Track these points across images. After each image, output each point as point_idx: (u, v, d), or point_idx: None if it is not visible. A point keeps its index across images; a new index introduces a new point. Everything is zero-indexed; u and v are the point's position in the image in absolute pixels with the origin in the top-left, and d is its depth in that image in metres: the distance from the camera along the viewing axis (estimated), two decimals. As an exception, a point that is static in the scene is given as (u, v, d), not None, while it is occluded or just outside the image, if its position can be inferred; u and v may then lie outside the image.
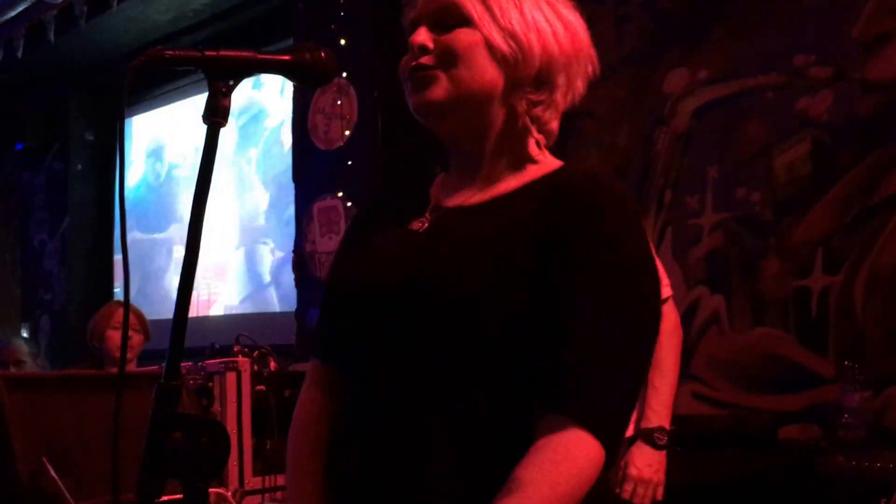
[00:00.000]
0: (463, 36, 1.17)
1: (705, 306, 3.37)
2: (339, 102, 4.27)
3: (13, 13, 5.88)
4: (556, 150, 2.54)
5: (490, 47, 1.16)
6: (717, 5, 3.42)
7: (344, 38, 4.16)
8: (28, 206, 7.40)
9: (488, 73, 1.17)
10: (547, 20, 1.19)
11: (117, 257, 7.00)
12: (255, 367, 3.09)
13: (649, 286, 1.13)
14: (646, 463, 2.12)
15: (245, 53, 1.14)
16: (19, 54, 6.17)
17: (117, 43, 5.93)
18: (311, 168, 4.46)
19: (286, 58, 1.16)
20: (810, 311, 3.08)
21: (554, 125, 1.23)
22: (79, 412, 2.20)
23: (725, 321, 3.32)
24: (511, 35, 1.16)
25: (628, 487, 2.11)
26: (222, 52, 1.12)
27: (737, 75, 3.34)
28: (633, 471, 2.11)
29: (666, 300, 2.21)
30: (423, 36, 1.19)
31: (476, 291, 1.09)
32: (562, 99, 1.22)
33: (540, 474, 1.02)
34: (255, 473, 2.68)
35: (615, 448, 1.07)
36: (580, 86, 1.24)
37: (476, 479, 1.07)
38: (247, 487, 2.58)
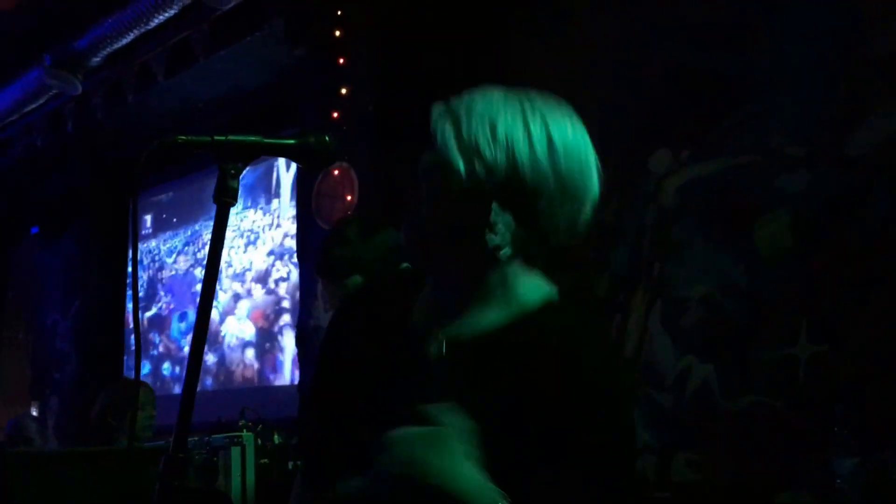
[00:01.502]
0: (427, 157, 1.16)
1: (696, 374, 3.34)
2: (341, 184, 4.31)
3: (35, 105, 5.96)
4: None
5: (454, 167, 1.11)
6: (697, 90, 3.46)
7: (345, 126, 4.22)
8: (42, 287, 7.40)
9: (454, 195, 1.12)
10: (526, 137, 1.12)
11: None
12: (259, 441, 3.05)
13: (622, 454, 1.10)
14: None
15: (252, 138, 1.16)
16: (38, 143, 6.23)
17: (132, 132, 6.00)
18: (316, 246, 4.46)
19: (291, 142, 1.18)
20: (798, 378, 3.05)
21: (522, 242, 1.14)
22: (85, 487, 2.16)
23: (715, 390, 3.28)
24: (478, 155, 1.10)
25: None
26: (230, 137, 1.15)
27: (718, 154, 3.37)
28: None
29: None
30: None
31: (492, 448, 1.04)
32: (545, 223, 1.14)
33: None
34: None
35: None
36: (578, 208, 1.17)
37: None
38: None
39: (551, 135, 1.12)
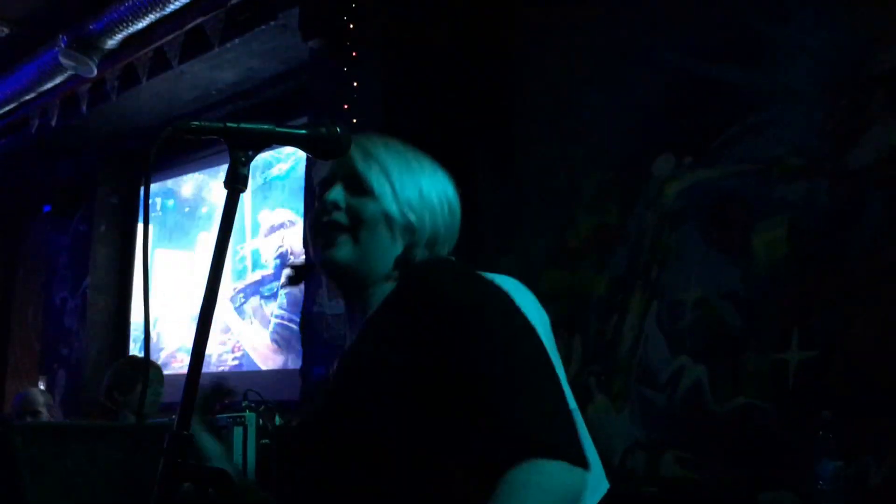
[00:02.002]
0: (371, 205, 1.24)
1: (688, 375, 3.36)
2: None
3: (50, 85, 5.97)
4: (550, 229, 2.53)
5: (392, 219, 1.24)
6: (701, 99, 3.47)
7: (356, 118, 4.22)
8: (53, 266, 7.41)
9: (390, 245, 1.25)
10: (438, 199, 1.29)
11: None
12: (261, 422, 3.06)
13: (505, 322, 1.15)
14: None
15: (264, 127, 1.16)
16: (53, 123, 6.24)
17: (145, 116, 6.01)
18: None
19: (303, 132, 1.18)
20: (787, 383, 3.07)
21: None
22: (90, 460, 2.17)
23: (707, 391, 3.30)
24: (412, 211, 1.25)
25: None
26: (243, 126, 1.15)
27: (718, 162, 3.39)
28: None
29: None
30: (336, 193, 1.25)
31: (369, 413, 1.12)
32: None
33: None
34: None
35: (570, 452, 1.05)
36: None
37: None
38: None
39: (452, 202, 1.32)
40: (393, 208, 1.24)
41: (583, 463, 1.05)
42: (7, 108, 6.45)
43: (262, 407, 3.29)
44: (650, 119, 3.63)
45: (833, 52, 3.11)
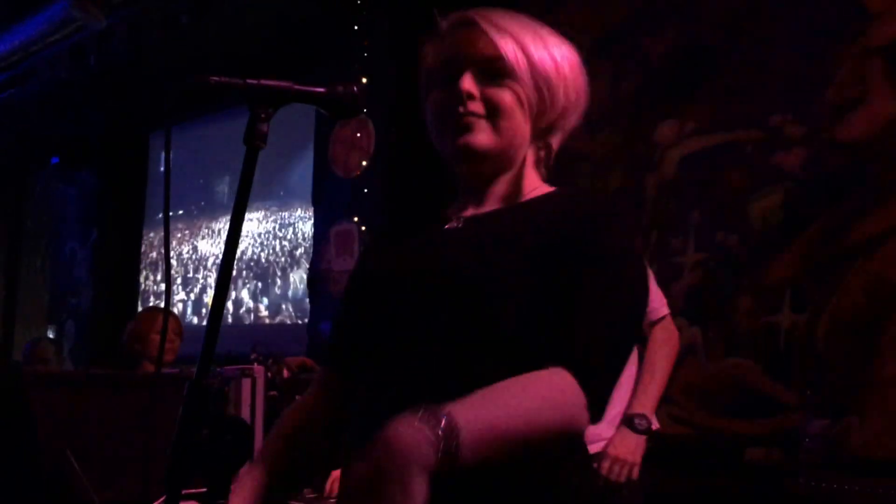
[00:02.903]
0: (508, 94, 1.19)
1: (683, 336, 3.37)
2: (358, 135, 4.30)
3: (58, 36, 5.90)
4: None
5: (528, 104, 1.20)
6: (704, 67, 3.47)
7: (365, 77, 4.19)
8: (61, 217, 7.40)
9: (523, 128, 1.21)
10: (570, 67, 1.24)
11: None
12: (269, 374, 3.08)
13: (638, 278, 1.15)
14: (623, 444, 2.19)
15: (283, 84, 1.15)
16: (61, 75, 6.18)
17: (154, 69, 5.95)
18: (330, 193, 4.48)
19: (321, 90, 1.17)
20: (778, 344, 3.10)
21: (550, 163, 1.28)
22: (102, 409, 2.18)
23: (701, 351, 3.33)
24: (548, 89, 1.21)
25: (605, 464, 2.18)
26: (263, 82, 1.14)
27: (720, 129, 3.39)
28: (611, 450, 2.19)
29: (663, 318, 2.28)
30: (469, 84, 1.19)
31: (502, 278, 1.10)
32: (560, 142, 1.27)
33: (509, 384, 1.02)
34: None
35: (595, 393, 1.05)
36: (576, 124, 1.28)
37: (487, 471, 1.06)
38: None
39: (581, 69, 1.26)
40: (531, 93, 1.19)
41: (595, 415, 1.07)
42: (14, 59, 6.37)
43: (270, 360, 3.31)
44: (654, 86, 3.61)
45: (834, 22, 3.10)
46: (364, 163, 4.24)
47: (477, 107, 1.19)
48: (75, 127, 7.10)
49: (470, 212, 1.25)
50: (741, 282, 3.25)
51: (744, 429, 3.14)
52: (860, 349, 2.88)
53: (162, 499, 1.13)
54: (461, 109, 1.19)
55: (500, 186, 1.25)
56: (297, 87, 1.16)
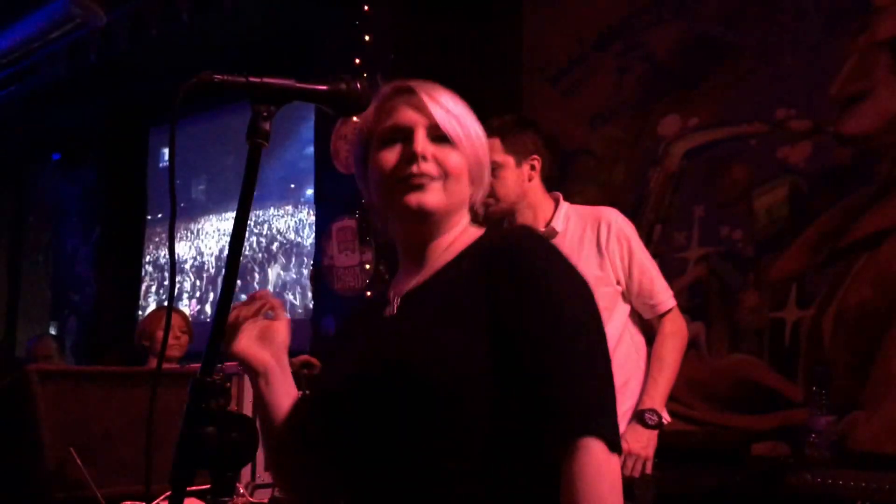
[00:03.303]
0: (457, 157, 1.24)
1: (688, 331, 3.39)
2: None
3: (58, 33, 5.90)
4: (556, 187, 2.55)
5: (469, 170, 1.26)
6: (709, 60, 3.47)
7: (366, 73, 4.19)
8: (63, 213, 7.41)
9: (466, 190, 1.27)
10: (484, 145, 1.30)
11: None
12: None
13: (581, 305, 1.16)
14: (636, 439, 2.21)
15: (286, 81, 1.15)
16: (62, 72, 6.19)
17: (154, 65, 5.96)
18: (332, 189, 4.49)
19: (324, 87, 1.17)
20: (783, 340, 3.11)
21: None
22: (105, 405, 2.19)
23: (704, 346, 3.34)
24: (477, 157, 1.27)
25: None
26: (265, 80, 1.14)
27: (724, 123, 3.39)
28: (624, 445, 2.18)
29: (670, 310, 2.28)
30: (423, 145, 1.23)
31: (440, 356, 1.11)
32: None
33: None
34: (267, 468, 2.67)
35: (616, 437, 1.09)
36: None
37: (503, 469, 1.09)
38: (258, 481, 2.58)
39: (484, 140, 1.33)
40: (471, 158, 1.26)
41: (618, 450, 1.10)
42: (15, 56, 6.37)
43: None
44: (658, 80, 3.61)
45: (840, 16, 3.09)
46: (366, 158, 4.23)
47: (430, 167, 1.22)
48: (76, 123, 7.11)
49: (405, 285, 1.27)
50: (746, 277, 3.25)
51: (748, 425, 3.14)
52: (866, 344, 2.88)
53: (166, 495, 1.14)
54: (415, 169, 1.22)
55: (436, 244, 1.27)
56: (299, 84, 1.16)
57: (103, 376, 2.40)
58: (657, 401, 2.26)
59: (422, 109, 1.24)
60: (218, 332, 1.07)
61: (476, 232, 1.29)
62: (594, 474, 1.06)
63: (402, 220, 1.26)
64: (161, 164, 7.01)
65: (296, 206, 6.11)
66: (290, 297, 5.99)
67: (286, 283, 6.05)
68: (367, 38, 4.10)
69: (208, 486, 1.09)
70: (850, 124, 3.02)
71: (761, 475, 2.79)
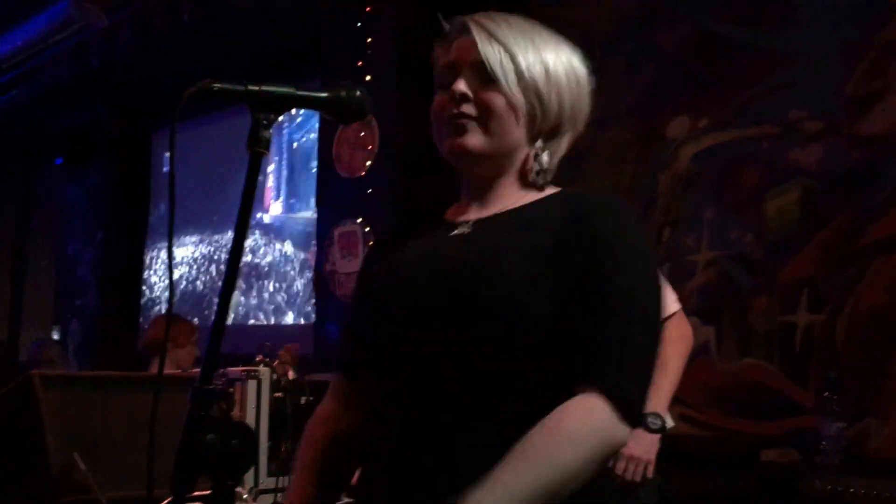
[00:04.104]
0: (500, 98, 1.22)
1: (696, 336, 3.38)
2: (362, 134, 4.31)
3: (61, 36, 5.94)
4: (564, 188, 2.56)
5: (519, 109, 1.22)
6: (719, 61, 3.47)
7: (369, 75, 4.21)
8: (66, 217, 7.45)
9: (517, 132, 1.24)
10: (566, 74, 1.26)
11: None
12: (275, 376, 3.11)
13: (653, 285, 1.18)
14: (638, 443, 2.24)
15: (286, 89, 1.17)
16: (64, 74, 6.23)
17: (156, 67, 5.99)
18: (334, 194, 4.50)
19: (324, 95, 1.19)
20: (794, 345, 3.10)
21: (555, 163, 1.29)
22: (108, 410, 2.21)
23: (714, 351, 3.34)
24: (537, 96, 1.23)
25: (620, 465, 2.23)
26: (264, 88, 1.15)
27: (735, 125, 3.39)
28: (626, 450, 2.22)
29: (674, 314, 2.30)
30: (463, 86, 1.23)
31: (518, 286, 1.12)
32: (566, 145, 1.29)
33: (539, 433, 1.06)
34: (270, 474, 2.69)
35: (627, 404, 1.09)
36: (581, 130, 1.30)
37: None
38: (261, 487, 2.60)
39: (580, 75, 1.28)
40: (519, 98, 1.22)
41: (632, 424, 1.11)
42: (18, 59, 6.42)
43: (277, 362, 3.33)
44: (666, 80, 3.61)
45: (851, 16, 3.09)
46: (368, 162, 4.25)
47: (469, 108, 1.22)
48: (79, 126, 7.15)
49: (474, 215, 1.27)
50: (756, 281, 3.25)
51: (758, 430, 3.14)
52: (878, 350, 2.88)
53: (167, 501, 1.16)
54: (454, 111, 1.23)
55: (501, 189, 1.27)
56: (299, 92, 1.17)
57: (107, 381, 2.43)
58: (660, 406, 2.27)
59: (471, 47, 1.23)
60: (216, 340, 1.09)
61: (548, 190, 1.28)
62: (583, 416, 1.06)
63: (452, 161, 1.27)
64: (165, 168, 7.03)
65: (250, 230, 6.17)
66: (253, 320, 6.05)
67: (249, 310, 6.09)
68: (369, 40, 4.12)
69: (208, 493, 1.11)
70: (863, 126, 3.02)
71: (771, 482, 2.80)
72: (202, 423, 1.08)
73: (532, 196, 1.26)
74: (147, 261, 7.06)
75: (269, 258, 6.13)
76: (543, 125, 1.25)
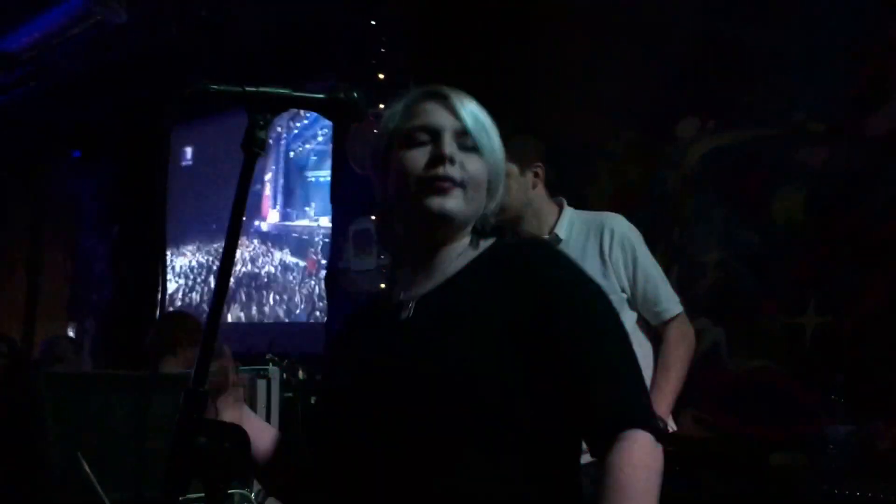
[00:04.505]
0: (480, 166, 1.27)
1: (706, 337, 3.38)
2: (375, 130, 4.30)
3: (78, 30, 5.95)
4: (573, 190, 2.56)
5: (489, 180, 1.29)
6: (727, 62, 3.45)
7: (382, 73, 4.21)
8: (82, 211, 7.46)
9: (483, 200, 1.29)
10: (501, 147, 1.32)
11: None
12: (284, 376, 3.12)
13: (605, 307, 1.22)
14: None
15: (283, 91, 1.17)
16: (81, 68, 6.25)
17: (171, 63, 6.00)
18: (348, 191, 4.50)
19: (320, 96, 1.19)
20: (803, 347, 3.08)
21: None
22: (113, 410, 2.21)
23: (725, 352, 3.32)
24: (497, 168, 1.30)
25: None
26: (262, 89, 1.15)
27: (742, 125, 3.38)
28: None
29: (676, 316, 2.28)
30: (451, 148, 1.25)
31: (472, 360, 1.14)
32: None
33: (629, 483, 1.09)
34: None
35: (658, 432, 1.14)
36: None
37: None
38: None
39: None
40: (492, 169, 1.29)
41: (663, 442, 1.15)
42: (34, 53, 6.44)
43: (286, 361, 3.34)
44: (674, 82, 3.60)
45: (856, 18, 3.07)
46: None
47: (455, 172, 1.25)
48: (96, 121, 7.18)
49: (417, 290, 1.28)
50: (764, 282, 3.24)
51: (767, 433, 3.13)
52: (886, 352, 2.86)
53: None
54: (441, 172, 1.24)
55: (446, 251, 1.29)
56: (296, 93, 1.18)
57: (112, 381, 2.43)
58: (662, 409, 2.26)
59: (453, 114, 1.27)
60: (209, 342, 1.09)
61: (484, 242, 1.30)
62: (643, 461, 1.11)
63: (420, 221, 1.27)
64: (183, 163, 7.05)
65: (249, 238, 6.22)
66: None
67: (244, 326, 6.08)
68: (382, 36, 4.12)
69: (202, 495, 1.11)
70: (870, 126, 3.01)
71: (779, 485, 2.77)
72: (193, 425, 1.07)
73: (471, 253, 1.29)
74: (165, 256, 7.06)
75: (267, 268, 6.16)
76: (495, 198, 1.31)
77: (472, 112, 1.28)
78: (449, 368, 1.13)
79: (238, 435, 1.10)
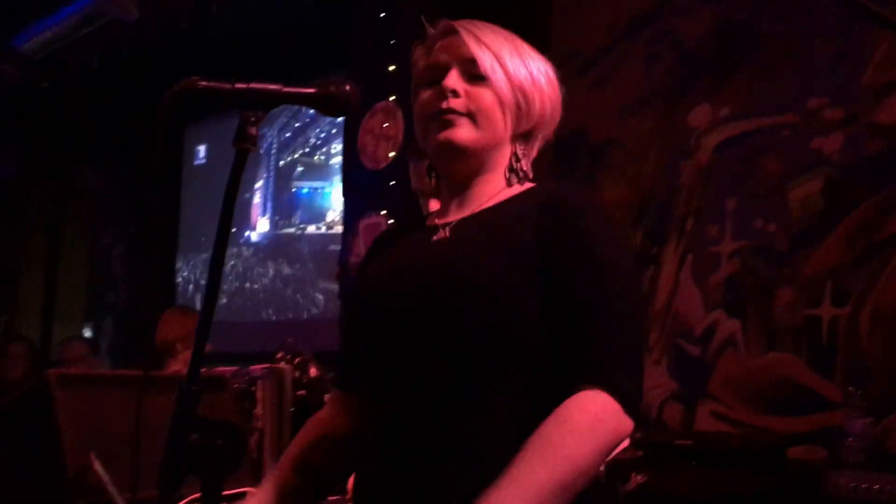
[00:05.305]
0: (489, 94, 1.26)
1: (722, 329, 3.36)
2: (386, 124, 4.31)
3: (91, 28, 5.99)
4: (586, 179, 2.54)
5: (507, 106, 1.27)
6: (740, 49, 3.43)
7: (393, 65, 4.21)
8: (98, 210, 7.51)
9: (502, 128, 1.28)
10: (546, 80, 1.32)
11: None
12: (297, 374, 3.12)
13: (627, 270, 1.20)
14: None
15: (273, 86, 1.17)
16: (94, 66, 6.29)
17: (186, 59, 6.02)
18: (359, 185, 4.51)
19: (311, 91, 1.19)
20: (821, 339, 3.06)
21: (528, 166, 1.33)
22: (125, 410, 2.23)
23: (741, 344, 3.30)
24: (523, 95, 1.28)
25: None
26: (252, 85, 1.16)
27: (756, 114, 3.35)
28: None
29: None
30: (454, 81, 1.26)
31: (504, 273, 1.15)
32: (536, 150, 1.34)
33: (551, 427, 1.06)
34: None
35: (629, 397, 1.10)
36: (550, 139, 1.36)
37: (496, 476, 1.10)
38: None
39: (556, 85, 1.34)
40: (507, 95, 1.27)
41: (636, 418, 1.11)
42: (48, 52, 6.49)
43: (298, 359, 3.34)
44: (688, 69, 3.58)
45: (872, 2, 3.03)
46: (392, 153, 4.25)
47: (459, 104, 1.26)
48: (111, 119, 7.22)
49: (453, 216, 1.30)
50: (780, 272, 3.21)
51: (785, 426, 3.11)
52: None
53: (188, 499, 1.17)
54: (444, 105, 1.25)
55: (481, 186, 1.30)
56: (286, 88, 1.18)
57: (124, 381, 2.44)
58: None
59: (460, 47, 1.28)
60: (202, 341, 1.10)
61: (525, 185, 1.31)
62: (584, 420, 1.07)
63: (437, 156, 1.30)
64: (196, 162, 7.09)
65: (237, 248, 6.24)
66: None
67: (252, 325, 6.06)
68: (393, 30, 4.12)
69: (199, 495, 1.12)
70: (885, 113, 2.97)
71: (797, 478, 2.76)
72: (187, 422, 1.08)
73: (508, 192, 1.29)
74: (180, 255, 7.11)
75: (264, 280, 6.17)
76: (525, 125, 1.29)
77: (484, 40, 1.28)
78: (478, 292, 1.14)
79: (232, 431, 1.11)
